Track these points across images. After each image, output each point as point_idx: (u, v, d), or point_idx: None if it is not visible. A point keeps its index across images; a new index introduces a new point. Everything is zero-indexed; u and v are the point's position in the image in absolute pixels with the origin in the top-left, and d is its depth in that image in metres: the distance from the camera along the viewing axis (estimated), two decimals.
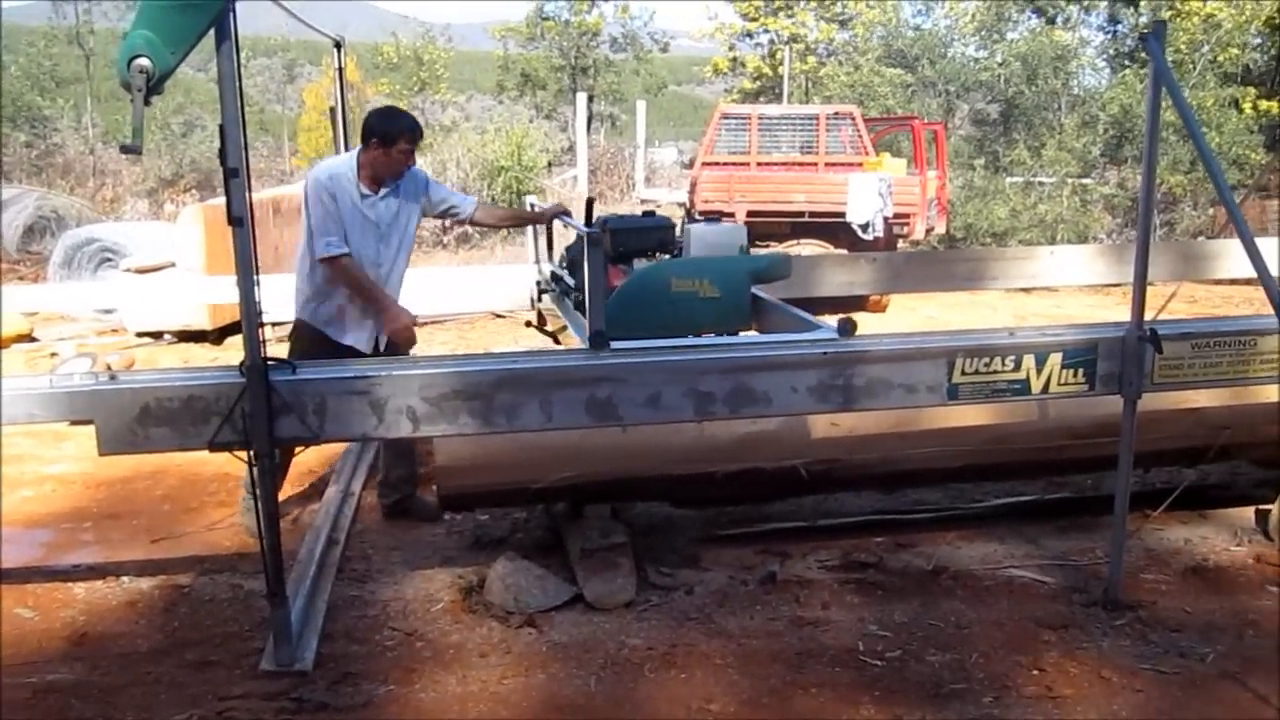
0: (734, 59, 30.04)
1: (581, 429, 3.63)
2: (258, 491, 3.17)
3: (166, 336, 8.89)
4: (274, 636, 3.33)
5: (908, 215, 10.39)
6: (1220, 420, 4.44)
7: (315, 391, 3.19)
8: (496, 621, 3.69)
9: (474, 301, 7.31)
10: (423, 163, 18.23)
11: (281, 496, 4.91)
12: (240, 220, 3.00)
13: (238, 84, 2.96)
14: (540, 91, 29.98)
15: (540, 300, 5.13)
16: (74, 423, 3.36)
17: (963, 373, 3.55)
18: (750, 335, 4.20)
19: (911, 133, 11.94)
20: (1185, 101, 3.47)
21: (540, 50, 30.10)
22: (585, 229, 3.68)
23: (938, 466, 4.32)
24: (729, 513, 4.63)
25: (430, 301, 6.00)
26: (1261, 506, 4.54)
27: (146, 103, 2.88)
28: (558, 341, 5.00)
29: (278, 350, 3.33)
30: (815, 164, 11.03)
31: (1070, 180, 15.43)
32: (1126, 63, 19.24)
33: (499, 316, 9.96)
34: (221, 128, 2.96)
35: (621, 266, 4.24)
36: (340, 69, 5.52)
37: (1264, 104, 18.76)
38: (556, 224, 5.09)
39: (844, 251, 9.60)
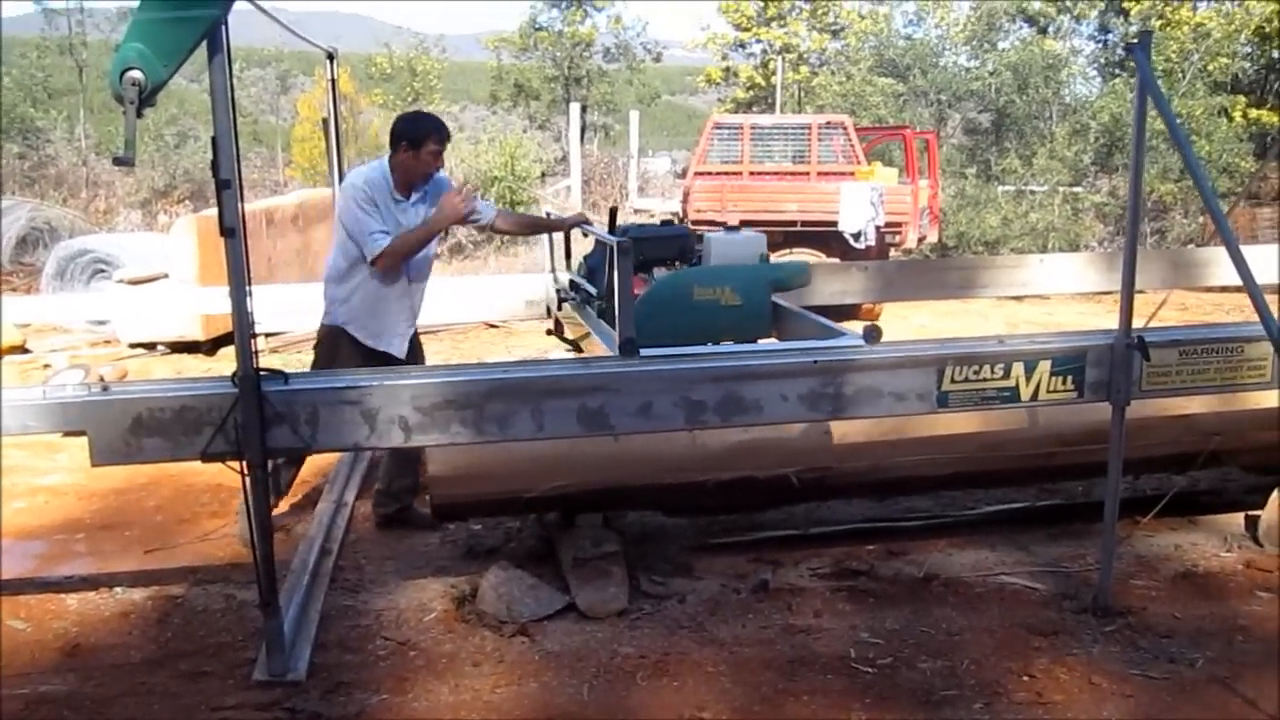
0: (727, 69, 30.11)
1: (573, 438, 3.66)
2: (251, 502, 3.19)
3: (160, 347, 8.90)
4: (267, 646, 3.33)
5: (899, 224, 10.43)
6: (1210, 427, 4.46)
7: (308, 402, 3.21)
8: (489, 630, 3.69)
9: (467, 312, 7.32)
10: None
11: (276, 507, 4.95)
12: (232, 231, 3.02)
13: (230, 96, 2.97)
14: (534, 102, 30.03)
15: (560, 308, 5.15)
16: (67, 434, 3.38)
17: (952, 380, 3.58)
18: (770, 342, 4.25)
19: (903, 142, 11.98)
20: (1171, 111, 3.50)
21: (534, 61, 30.17)
22: (614, 238, 3.71)
23: (929, 474, 4.34)
24: (721, 521, 4.65)
25: (424, 312, 6.01)
26: (1252, 512, 4.56)
27: (139, 115, 2.90)
28: (579, 349, 5.03)
29: (271, 361, 3.34)
30: (807, 173, 11.08)
31: (1061, 189, 15.50)
32: (1117, 71, 19.33)
33: (492, 326, 9.98)
34: (214, 139, 2.97)
35: (642, 275, 4.27)
36: (333, 80, 5.54)
37: (1254, 112, 18.90)
38: (575, 233, 5.14)
39: (836, 260, 9.62)
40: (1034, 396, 3.67)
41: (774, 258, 9.49)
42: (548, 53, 29.57)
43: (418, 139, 4.31)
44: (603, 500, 4.12)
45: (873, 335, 3.63)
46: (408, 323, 4.55)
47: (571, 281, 5.00)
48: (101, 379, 3.31)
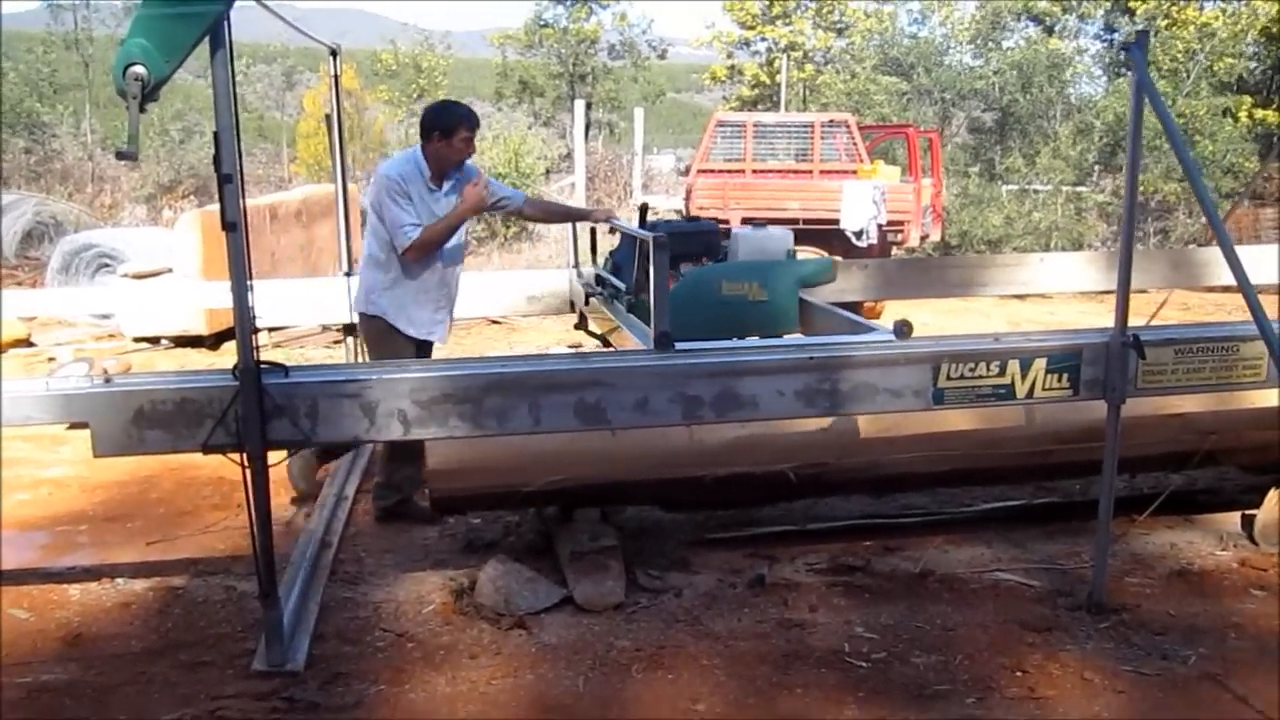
0: (732, 67, 30.11)
1: (572, 433, 3.69)
2: (251, 494, 3.22)
3: (163, 342, 8.94)
4: (266, 637, 3.36)
5: (902, 222, 10.46)
6: (1206, 425, 4.48)
7: (307, 394, 3.24)
8: (487, 623, 3.72)
9: (469, 308, 7.37)
10: None
11: (277, 500, 4.98)
12: (234, 225, 3.04)
13: (232, 92, 3.00)
14: (538, 99, 30.04)
15: (587, 303, 5.19)
16: (71, 426, 3.41)
17: (948, 377, 3.60)
18: (799, 337, 4.27)
19: (906, 141, 12.01)
20: (1167, 111, 3.51)
21: (539, 57, 30.17)
22: (651, 233, 3.76)
23: (925, 471, 4.36)
24: (719, 517, 4.67)
25: None
26: (1248, 511, 4.57)
27: (142, 110, 2.94)
28: (606, 343, 5.07)
29: (274, 356, 3.37)
30: (810, 171, 11.11)
31: (1065, 188, 15.51)
32: (1122, 71, 19.31)
33: (494, 323, 10.01)
34: (216, 134, 3.00)
35: (670, 270, 4.31)
36: (336, 77, 5.57)
37: (1259, 112, 18.88)
38: (600, 228, 5.20)
39: (838, 258, 9.64)
40: (1029, 394, 3.69)
41: None
42: (553, 50, 29.56)
43: (449, 128, 4.40)
44: (601, 495, 4.15)
45: (903, 330, 3.67)
46: (447, 309, 4.69)
47: (598, 276, 5.05)
48: (104, 372, 3.33)
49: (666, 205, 14.81)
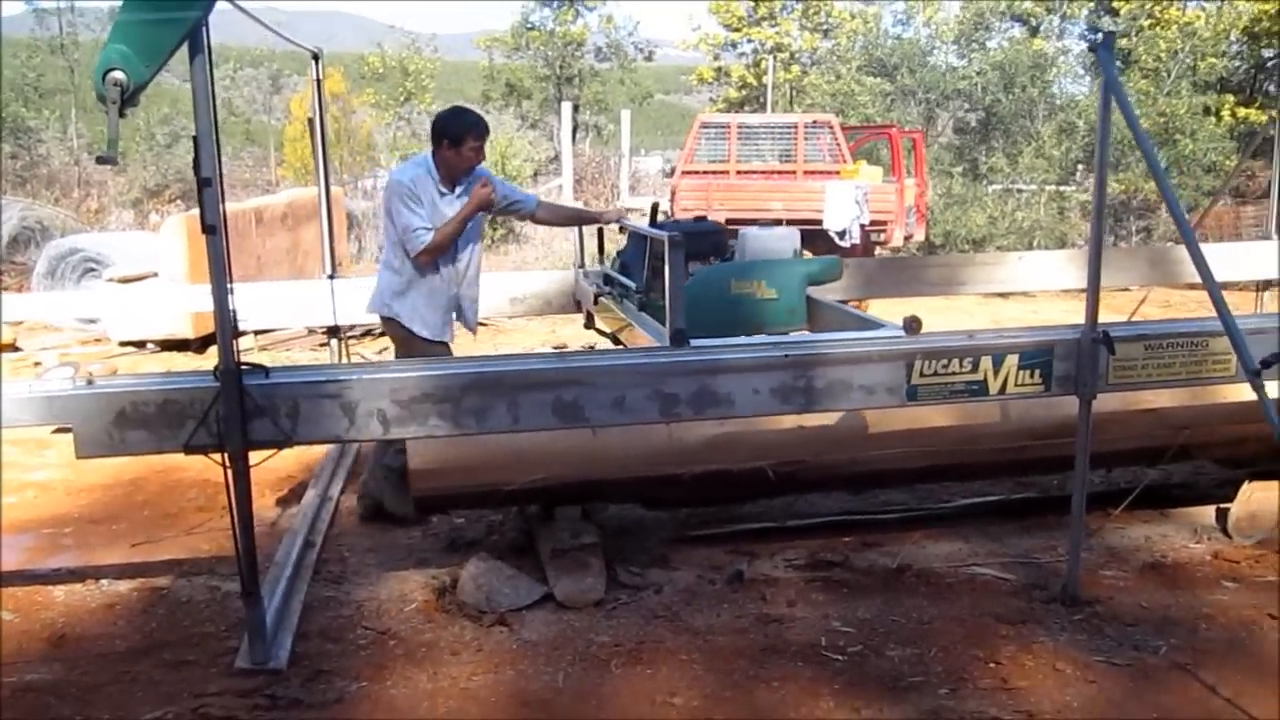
0: (719, 69, 30.18)
1: (552, 432, 3.73)
2: (232, 495, 3.25)
3: (150, 346, 8.95)
4: (249, 635, 3.40)
5: (884, 222, 10.52)
6: (1179, 420, 4.53)
7: (288, 395, 3.27)
8: (469, 620, 3.77)
9: None
10: None
11: (262, 501, 5.01)
12: (213, 228, 3.08)
13: (211, 96, 3.04)
14: (525, 101, 30.08)
15: (595, 302, 5.24)
16: (57, 430, 3.44)
17: (921, 374, 3.65)
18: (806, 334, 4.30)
19: (889, 141, 12.08)
20: (1134, 112, 3.57)
21: (525, 60, 30.23)
22: (667, 233, 3.81)
23: (902, 467, 4.41)
24: (699, 514, 4.72)
25: None
26: (1222, 505, 4.64)
27: (122, 115, 2.97)
28: (617, 341, 5.12)
29: (259, 360, 3.42)
30: (794, 172, 11.17)
31: (1047, 188, 15.59)
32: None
33: (480, 324, 10.02)
34: (195, 139, 3.04)
35: None
36: (318, 80, 5.60)
37: (1242, 111, 19.01)
38: (608, 228, 5.27)
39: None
40: (1002, 390, 3.74)
41: None
42: (539, 52, 29.62)
43: (458, 136, 4.45)
44: (581, 493, 4.19)
45: (912, 326, 3.73)
46: (468, 309, 4.77)
47: (606, 275, 5.11)
48: (87, 374, 3.36)
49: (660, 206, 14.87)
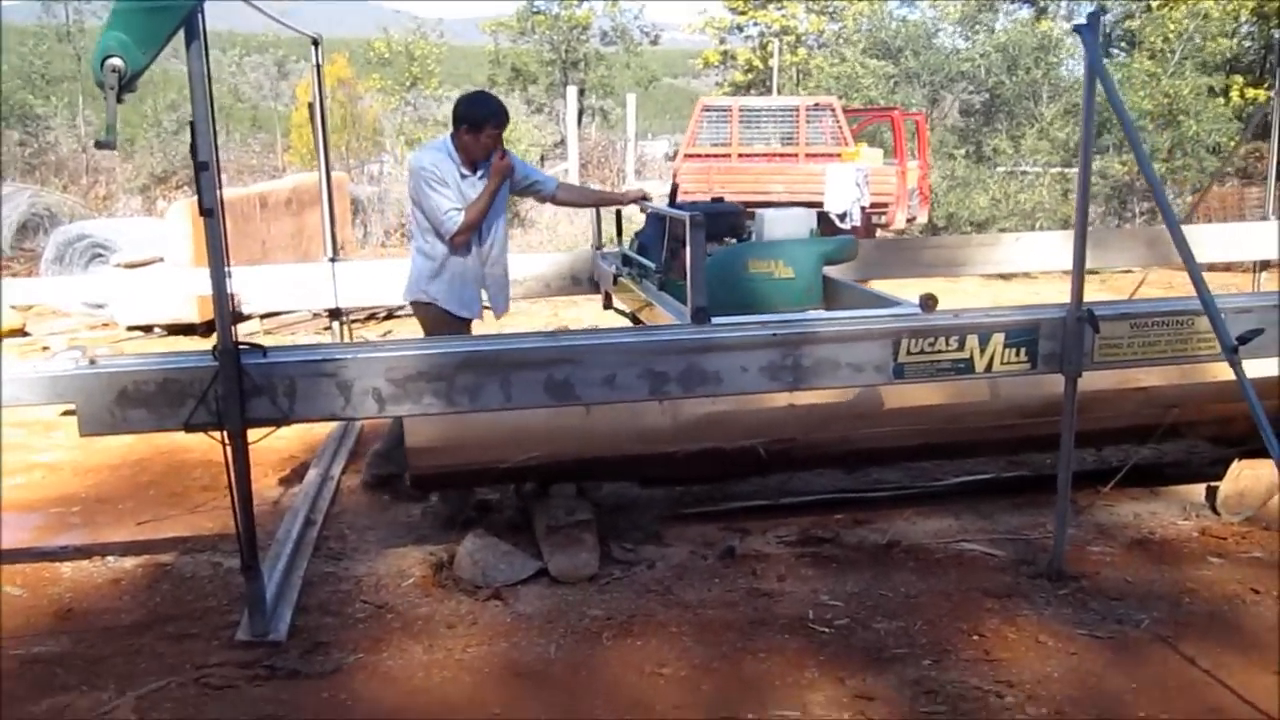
0: (724, 52, 30.13)
1: (548, 410, 3.81)
2: (231, 472, 3.33)
3: (156, 330, 9.05)
4: (248, 609, 3.48)
5: (885, 205, 10.55)
6: (1168, 399, 4.58)
7: (285, 374, 3.35)
8: (465, 595, 3.85)
9: None
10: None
11: (265, 481, 5.11)
12: (211, 211, 3.16)
13: (207, 82, 3.10)
14: (531, 86, 30.06)
15: (614, 283, 5.31)
16: (65, 413, 3.52)
17: (908, 352, 3.71)
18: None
19: (891, 124, 12.09)
20: (1118, 94, 3.61)
21: (531, 44, 30.19)
22: (689, 212, 3.89)
23: (893, 445, 4.47)
24: (694, 492, 4.79)
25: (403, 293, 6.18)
26: (1212, 483, 4.69)
27: (119, 100, 3.04)
28: (636, 320, 5.19)
29: (266, 343, 3.50)
30: (796, 155, 11.20)
31: (1050, 169, 15.59)
32: (1113, 52, 19.39)
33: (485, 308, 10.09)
34: (192, 124, 3.11)
35: None
36: (318, 66, 5.66)
37: (1251, 92, 18.95)
38: (626, 209, 5.34)
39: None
40: (988, 368, 3.80)
41: None
42: (545, 36, 29.58)
43: (477, 123, 4.52)
44: (575, 471, 4.26)
45: (928, 304, 3.80)
46: (496, 289, 4.82)
47: (625, 256, 5.18)
48: (91, 355, 3.44)
49: (661, 190, 14.91)
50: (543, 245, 15.15)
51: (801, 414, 4.26)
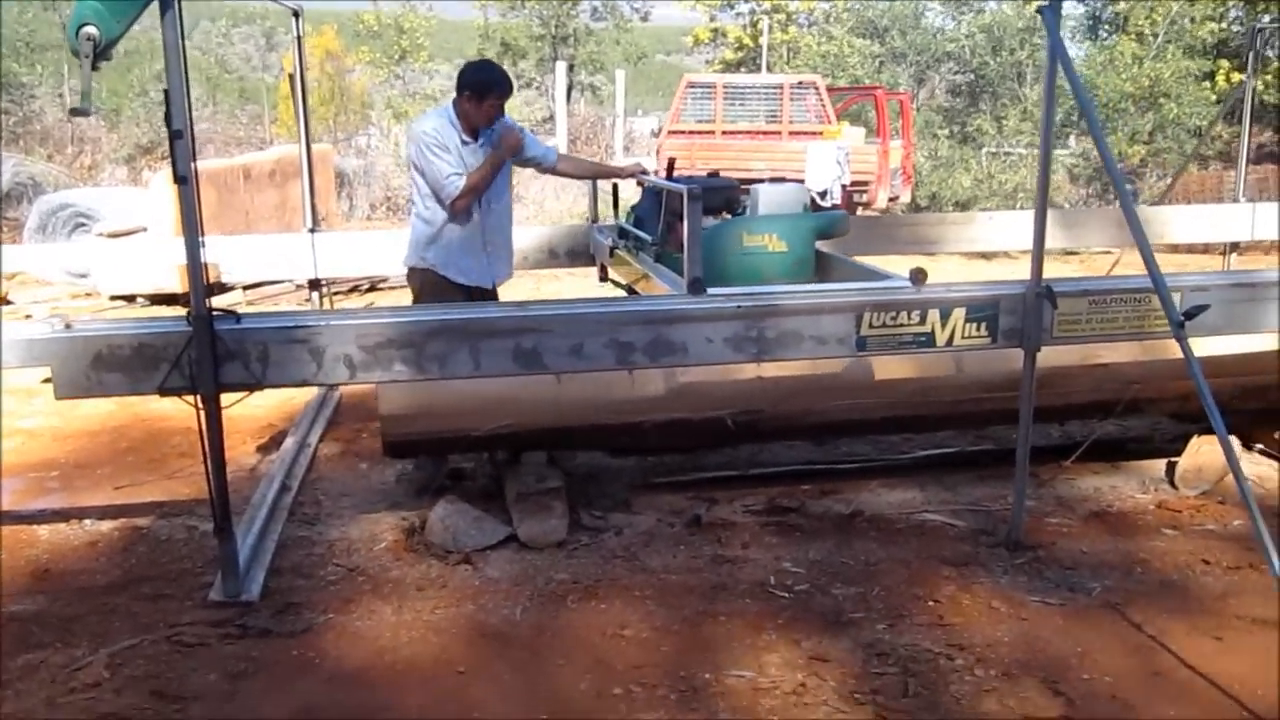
0: (715, 29, 30.04)
1: (519, 379, 3.89)
2: (205, 435, 3.40)
3: (139, 300, 9.08)
4: (221, 570, 3.56)
5: (867, 183, 10.62)
6: (1130, 375, 4.68)
7: (258, 340, 3.42)
8: (435, 559, 3.93)
9: None
10: (402, 130, 18.16)
11: (243, 448, 5.19)
12: (185, 179, 3.21)
13: (181, 51, 3.16)
14: (521, 60, 29.95)
15: (610, 255, 5.37)
16: (46, 380, 3.57)
17: (870, 326, 3.79)
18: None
19: (874, 103, 12.15)
20: (1077, 77, 3.68)
21: (520, 19, 30.06)
22: (688, 185, 3.96)
23: (859, 418, 4.55)
24: (665, 463, 4.88)
25: (380, 264, 6.27)
26: (1173, 459, 4.79)
27: (95, 68, 3.09)
28: (633, 292, 5.26)
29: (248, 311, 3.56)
30: (779, 132, 11.25)
31: (1033, 150, 15.66)
32: (1096, 35, 19.43)
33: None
34: (166, 92, 3.16)
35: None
36: (299, 38, 5.69)
37: (1236, 76, 19.02)
38: (624, 182, 5.40)
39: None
40: (949, 342, 3.88)
41: None
42: (534, 11, 29.45)
43: (480, 91, 4.55)
44: (545, 439, 4.34)
45: (918, 278, 3.88)
46: (496, 259, 4.84)
47: (621, 229, 5.25)
48: (67, 320, 3.50)
49: (652, 166, 14.94)
50: (529, 219, 15.19)
51: (769, 386, 4.35)
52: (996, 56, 16.59)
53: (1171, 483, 4.71)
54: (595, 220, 5.85)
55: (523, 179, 14.94)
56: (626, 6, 31.15)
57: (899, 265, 4.36)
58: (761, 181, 4.98)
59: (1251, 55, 7.06)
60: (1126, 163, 15.47)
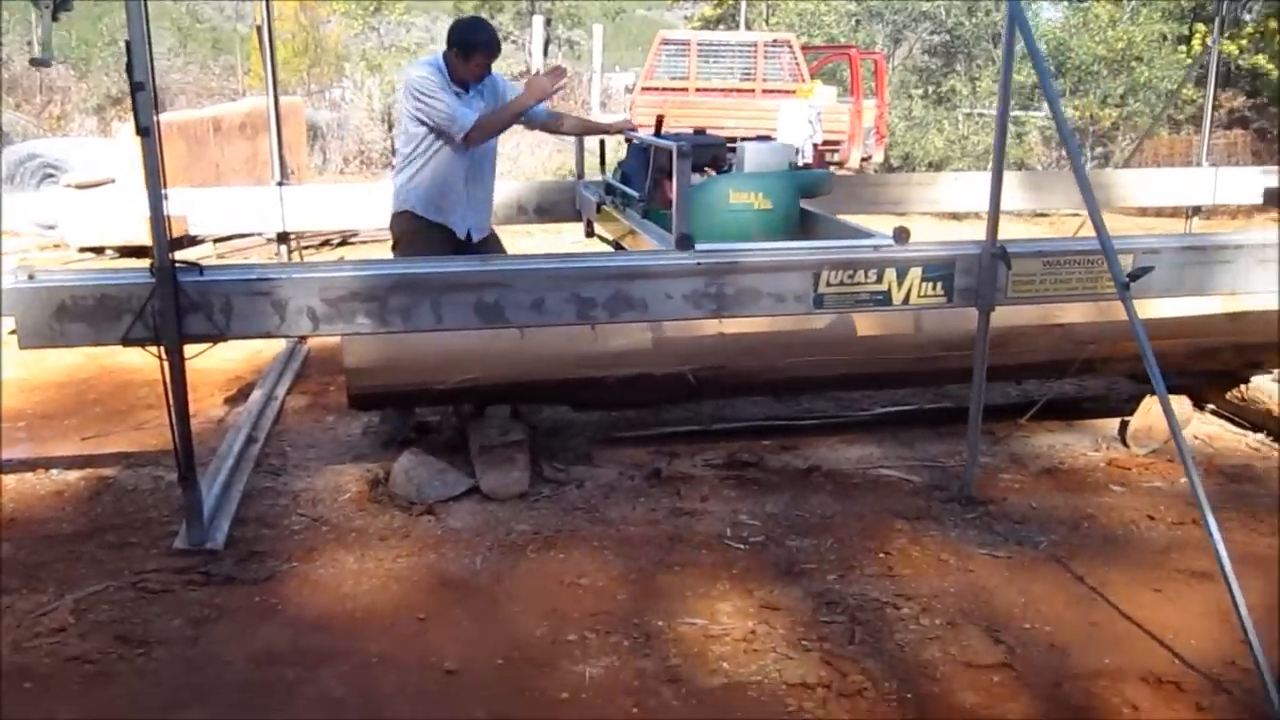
0: None
1: (483, 333, 3.94)
2: (169, 385, 3.45)
3: (109, 252, 9.04)
4: (186, 518, 3.62)
5: (839, 143, 10.66)
6: (1085, 336, 4.77)
7: (221, 292, 3.45)
8: (399, 510, 4.00)
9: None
10: (377, 83, 17.96)
11: (210, 400, 5.22)
12: (147, 130, 3.23)
13: (143, 2, 3.16)
14: (498, 14, 29.66)
15: (597, 211, 5.40)
16: (12, 332, 3.60)
17: (828, 284, 3.86)
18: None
19: (849, 62, 12.16)
20: (1035, 40, 3.73)
21: None
22: (677, 142, 3.98)
23: (819, 375, 4.64)
24: (629, 418, 4.96)
25: (357, 218, 6.29)
26: (1125, 418, 4.90)
27: (55, 19, 3.11)
28: (619, 247, 5.29)
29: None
30: (753, 90, 11.25)
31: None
32: None
33: None
34: (128, 44, 3.17)
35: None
36: None
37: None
38: (610, 140, 5.41)
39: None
40: (905, 300, 3.96)
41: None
42: None
43: (468, 50, 4.53)
44: (511, 393, 4.40)
45: (901, 236, 3.94)
46: (474, 209, 4.77)
47: (608, 185, 5.28)
48: (30, 270, 3.52)
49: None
50: (503, 175, 15.14)
51: (730, 342, 4.41)
52: (972, 17, 16.60)
53: (1123, 441, 4.82)
54: (581, 176, 5.87)
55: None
56: None
57: (874, 225, 4.41)
58: (731, 140, 5.02)
59: (1218, 19, 7.10)
60: (1099, 126, 15.55)
